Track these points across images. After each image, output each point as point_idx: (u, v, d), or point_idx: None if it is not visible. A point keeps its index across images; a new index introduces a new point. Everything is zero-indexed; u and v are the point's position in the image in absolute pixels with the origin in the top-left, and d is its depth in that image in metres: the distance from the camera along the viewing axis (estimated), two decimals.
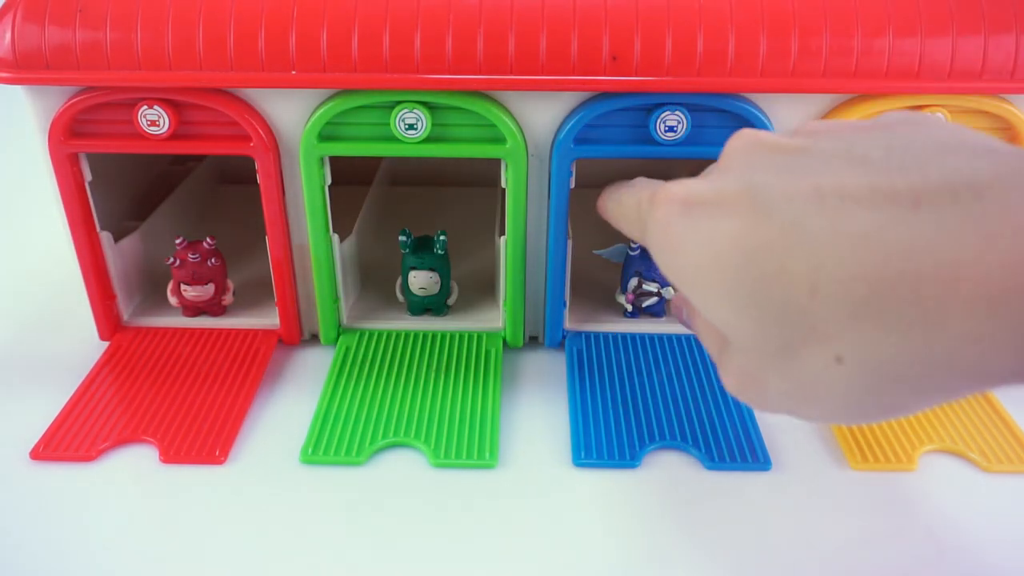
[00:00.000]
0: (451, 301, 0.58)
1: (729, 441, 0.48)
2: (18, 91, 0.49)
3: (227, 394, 0.51)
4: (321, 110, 0.48)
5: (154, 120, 0.49)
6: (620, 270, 0.57)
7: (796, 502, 0.45)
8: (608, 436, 0.48)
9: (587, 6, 0.46)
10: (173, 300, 0.57)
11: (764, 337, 0.30)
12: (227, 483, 0.46)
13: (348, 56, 0.46)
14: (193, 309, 0.58)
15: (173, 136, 0.49)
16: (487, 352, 0.55)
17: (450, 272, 0.57)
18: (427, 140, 0.49)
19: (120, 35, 0.46)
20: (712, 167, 0.35)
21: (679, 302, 0.43)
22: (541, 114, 0.49)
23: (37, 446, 0.47)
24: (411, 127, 0.48)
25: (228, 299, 0.58)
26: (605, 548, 0.42)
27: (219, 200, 0.76)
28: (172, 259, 0.56)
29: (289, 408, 0.51)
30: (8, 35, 0.46)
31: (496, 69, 0.46)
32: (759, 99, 0.48)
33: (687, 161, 0.52)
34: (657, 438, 0.48)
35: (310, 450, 0.47)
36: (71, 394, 0.51)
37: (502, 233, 0.53)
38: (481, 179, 0.79)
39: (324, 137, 0.49)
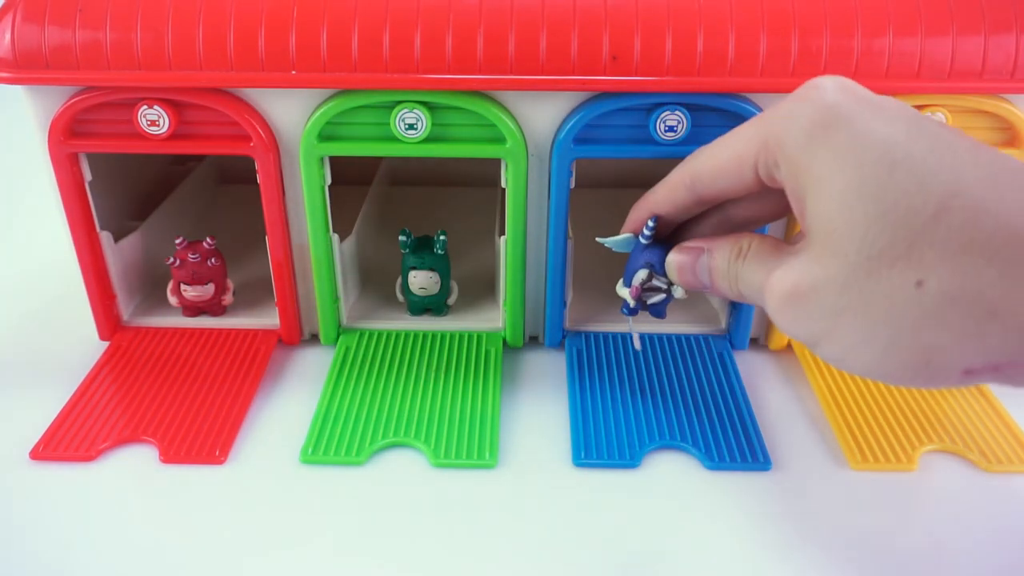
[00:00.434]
0: (451, 301, 0.58)
1: (729, 441, 0.48)
2: (18, 91, 0.49)
3: (227, 394, 0.51)
4: (321, 110, 0.48)
5: (154, 120, 0.49)
6: (622, 264, 0.56)
7: (796, 502, 0.45)
8: (608, 436, 0.48)
9: (587, 6, 0.46)
10: (173, 300, 0.57)
11: (862, 240, 0.30)
12: (227, 483, 0.46)
13: (348, 56, 0.46)
14: (193, 309, 0.58)
15: (173, 136, 0.49)
16: (487, 352, 0.55)
17: (450, 272, 0.57)
18: (427, 140, 0.49)
19: (120, 35, 0.46)
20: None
21: (691, 261, 0.42)
22: (541, 114, 0.49)
23: (37, 446, 0.47)
24: (411, 127, 0.48)
25: (228, 299, 0.58)
26: (605, 548, 0.42)
27: (219, 200, 0.76)
28: (172, 259, 0.56)
29: (289, 408, 0.51)
30: (8, 35, 0.46)
31: (496, 69, 0.46)
32: (759, 99, 0.48)
33: None
34: (657, 438, 0.48)
35: (310, 450, 0.47)
36: (71, 394, 0.51)
37: (502, 233, 0.53)
38: (481, 179, 0.79)
39: (324, 137, 0.49)
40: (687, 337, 0.57)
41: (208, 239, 0.56)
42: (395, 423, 0.49)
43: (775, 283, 0.34)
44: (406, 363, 0.54)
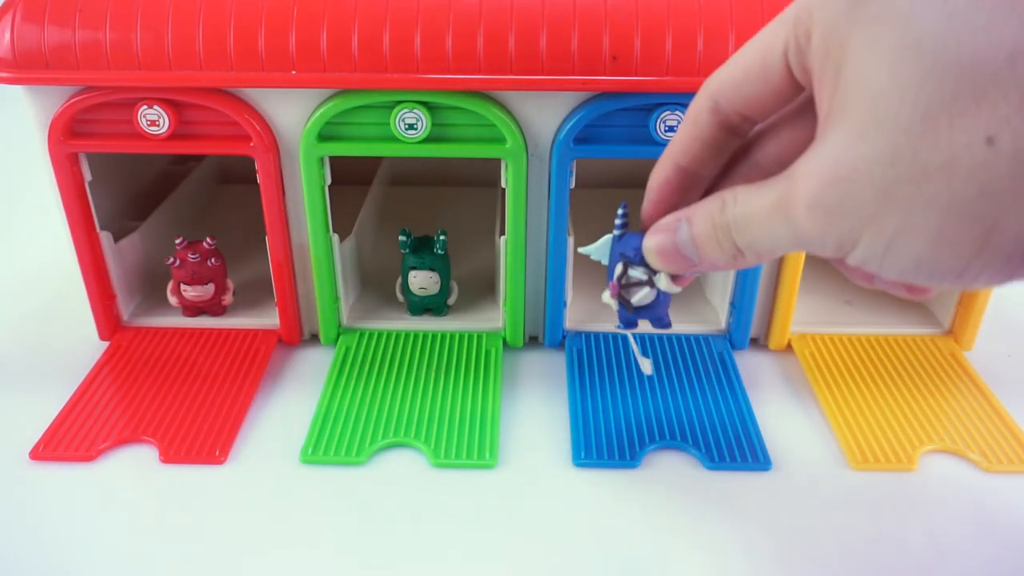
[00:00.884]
0: (451, 301, 0.58)
1: (729, 441, 0.48)
2: (18, 91, 0.49)
3: (227, 394, 0.51)
4: (321, 110, 0.48)
5: (154, 120, 0.48)
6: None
7: (796, 502, 0.45)
8: (608, 436, 0.48)
9: (587, 6, 0.46)
10: (173, 300, 0.57)
11: (917, 95, 0.25)
12: (227, 483, 0.46)
13: (348, 56, 0.46)
14: (193, 309, 0.58)
15: (173, 136, 0.49)
16: (487, 352, 0.55)
17: (450, 272, 0.57)
18: (427, 140, 0.49)
19: (120, 35, 0.46)
20: None
21: (669, 239, 0.36)
22: (541, 114, 0.49)
23: (37, 446, 0.47)
24: (411, 127, 0.48)
25: (228, 299, 0.58)
26: (605, 548, 0.42)
27: (219, 200, 0.76)
28: (172, 259, 0.56)
29: (289, 408, 0.51)
30: (8, 35, 0.46)
31: (496, 69, 0.46)
32: None
33: None
34: (657, 438, 0.48)
35: (310, 450, 0.47)
36: (71, 394, 0.51)
37: (502, 233, 0.53)
38: (481, 179, 0.79)
39: (324, 137, 0.49)
40: (687, 337, 0.57)
41: (208, 239, 0.56)
42: (395, 423, 0.49)
43: (800, 185, 0.28)
44: (406, 363, 0.54)
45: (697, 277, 0.63)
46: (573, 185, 0.51)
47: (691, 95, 0.47)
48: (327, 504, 0.44)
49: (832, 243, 0.29)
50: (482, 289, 0.62)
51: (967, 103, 0.25)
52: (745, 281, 0.54)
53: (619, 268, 0.41)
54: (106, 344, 0.56)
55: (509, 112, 0.48)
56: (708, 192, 0.37)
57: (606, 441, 0.48)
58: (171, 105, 0.48)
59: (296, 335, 0.57)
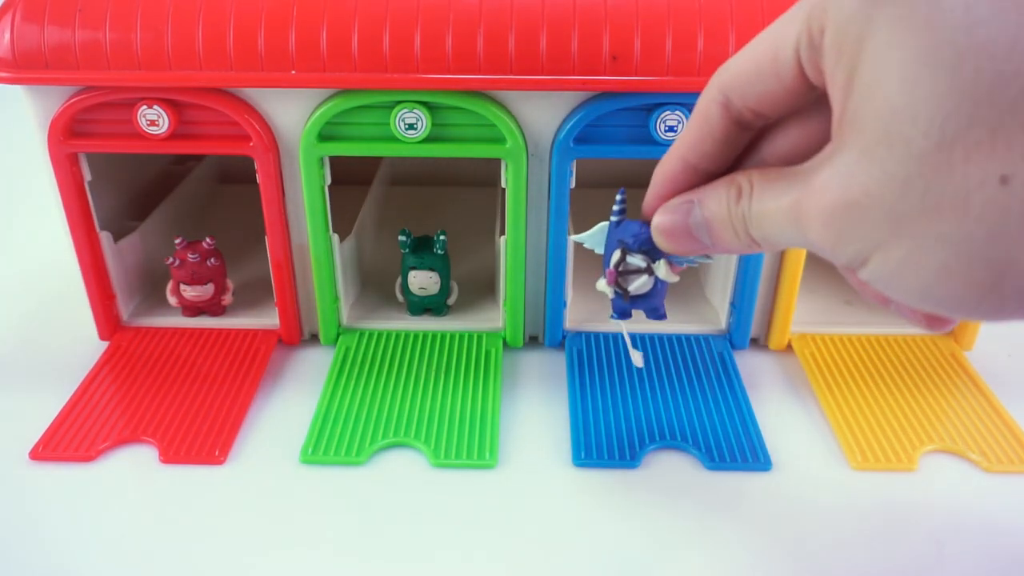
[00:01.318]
0: (451, 301, 0.58)
1: (729, 441, 0.48)
2: (18, 91, 0.49)
3: (227, 394, 0.51)
4: (321, 110, 0.48)
5: (154, 120, 0.48)
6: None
7: (796, 502, 0.45)
8: (608, 436, 0.48)
9: (587, 6, 0.46)
10: (173, 300, 0.57)
11: (930, 122, 0.24)
12: (227, 483, 0.46)
13: (348, 56, 0.46)
14: (193, 309, 0.58)
15: (173, 136, 0.49)
16: (487, 352, 0.55)
17: (450, 272, 0.57)
18: (427, 140, 0.49)
19: (119, 35, 0.46)
20: None
21: (682, 219, 0.35)
22: (541, 114, 0.49)
23: (37, 446, 0.47)
24: (411, 127, 0.48)
25: (228, 299, 0.58)
26: (605, 548, 0.42)
27: (219, 200, 0.76)
28: (172, 259, 0.56)
29: (289, 408, 0.51)
30: (7, 35, 0.46)
31: (496, 69, 0.46)
32: None
33: None
34: (657, 438, 0.48)
35: (310, 450, 0.47)
36: (71, 394, 0.51)
37: (502, 233, 0.53)
38: (481, 179, 0.79)
39: (324, 137, 0.49)
40: (687, 337, 0.57)
41: (208, 239, 0.56)
42: (395, 423, 0.49)
43: (814, 199, 0.28)
44: (406, 363, 0.54)
45: (697, 277, 0.63)
46: (573, 185, 0.51)
47: (691, 95, 0.47)
48: (327, 504, 0.44)
49: (843, 259, 0.28)
50: (482, 289, 0.62)
51: (982, 133, 0.23)
52: (745, 281, 0.54)
53: (616, 255, 0.40)
54: (106, 344, 0.56)
55: (509, 112, 0.48)
56: None
57: (606, 441, 0.48)
58: (171, 105, 0.48)
59: (296, 335, 0.57)
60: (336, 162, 0.51)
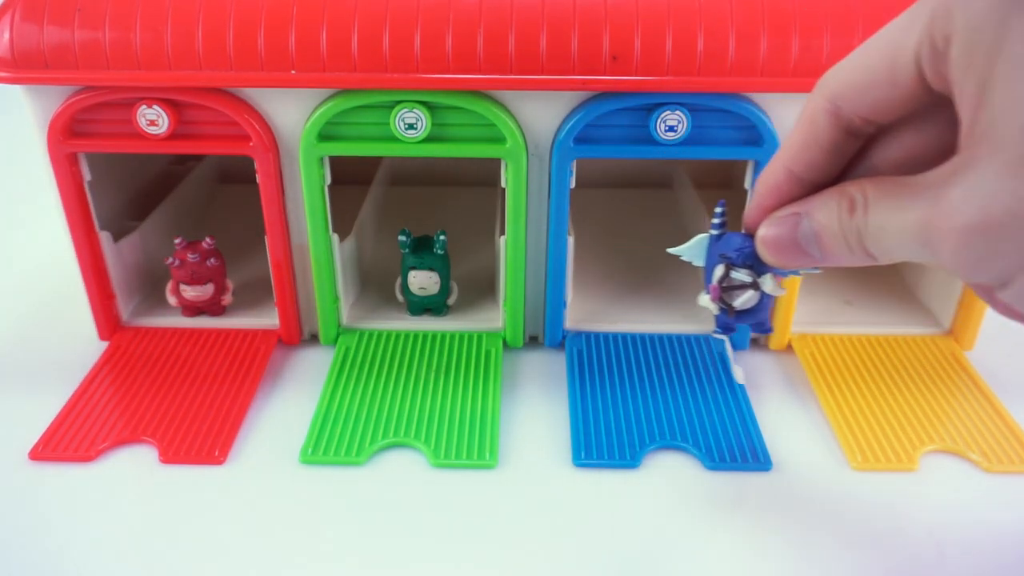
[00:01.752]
0: (451, 301, 0.58)
1: (729, 441, 0.48)
2: (17, 91, 0.49)
3: (227, 394, 0.51)
4: (321, 110, 0.48)
5: (153, 120, 0.48)
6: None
7: (796, 502, 0.45)
8: (608, 436, 0.48)
9: (587, 6, 0.46)
10: (172, 300, 0.57)
11: None
12: (227, 483, 0.46)
13: (348, 56, 0.46)
14: (192, 309, 0.58)
15: (172, 136, 0.49)
16: (487, 352, 0.55)
17: (450, 272, 0.57)
18: (427, 140, 0.49)
19: (119, 34, 0.46)
20: None
21: (788, 232, 0.33)
22: (541, 114, 0.49)
23: (36, 446, 0.47)
24: (411, 127, 0.48)
25: (227, 299, 0.58)
26: (605, 548, 0.42)
27: (219, 200, 0.76)
28: (171, 259, 0.56)
29: (289, 408, 0.51)
30: (7, 35, 0.46)
31: (496, 69, 0.46)
32: (759, 99, 0.48)
33: (687, 161, 0.52)
34: (657, 438, 0.48)
35: (310, 450, 0.47)
36: (70, 394, 0.51)
37: (502, 233, 0.53)
38: (481, 179, 0.79)
39: (324, 137, 0.49)
40: (687, 337, 0.57)
41: (208, 239, 0.56)
42: (395, 423, 0.49)
43: (947, 218, 0.26)
44: (406, 363, 0.54)
45: (697, 278, 0.63)
46: (573, 185, 0.51)
47: (691, 95, 0.47)
48: (327, 504, 0.44)
49: (980, 279, 0.27)
50: (482, 289, 0.62)
51: None
52: None
53: (720, 270, 0.38)
54: (106, 344, 0.56)
55: (509, 112, 0.48)
56: None
57: (606, 441, 0.48)
58: (170, 105, 0.48)
59: (296, 335, 0.57)
60: (336, 162, 0.51)
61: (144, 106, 0.48)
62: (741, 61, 0.45)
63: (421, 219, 0.73)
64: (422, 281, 0.56)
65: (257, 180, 0.51)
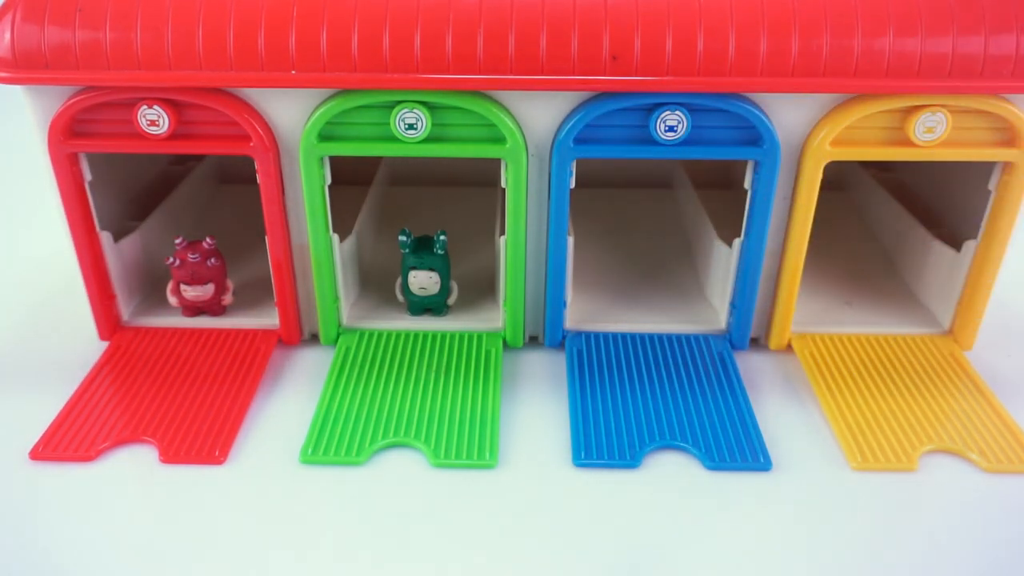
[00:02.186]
0: (451, 301, 0.58)
1: (729, 441, 0.48)
2: (18, 91, 0.49)
3: (227, 394, 0.51)
4: (321, 110, 0.48)
5: (154, 120, 0.48)
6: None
7: (796, 502, 0.45)
8: (608, 436, 0.48)
9: (587, 6, 0.46)
10: (173, 300, 0.57)
11: None
12: (227, 483, 0.46)
13: (348, 56, 0.46)
14: (193, 309, 0.58)
15: (173, 136, 0.49)
16: (487, 352, 0.55)
17: (450, 272, 0.57)
18: (427, 140, 0.49)
19: (119, 35, 0.46)
20: None
21: None
22: (541, 114, 0.49)
23: (37, 446, 0.47)
24: (411, 127, 0.48)
25: (228, 299, 0.58)
26: (605, 548, 0.42)
27: (219, 200, 0.76)
28: (172, 259, 0.56)
29: (289, 408, 0.51)
30: (7, 35, 0.46)
31: (496, 69, 0.46)
32: (759, 99, 0.48)
33: (687, 161, 0.52)
34: (657, 438, 0.48)
35: (310, 450, 0.47)
36: (71, 394, 0.51)
37: (502, 233, 0.53)
38: (481, 179, 0.79)
39: (324, 137, 0.49)
40: (687, 337, 0.57)
41: (208, 239, 0.56)
42: (395, 423, 0.49)
43: None
44: (406, 363, 0.54)
45: (697, 278, 0.63)
46: (573, 185, 0.51)
47: (691, 95, 0.47)
48: (327, 504, 0.44)
49: None
50: (482, 289, 0.62)
51: None
52: (745, 281, 0.54)
53: None
54: (106, 344, 0.56)
55: (509, 112, 0.48)
56: None
57: (606, 441, 0.48)
58: (171, 105, 0.48)
59: (296, 335, 0.57)
60: (336, 162, 0.51)
61: (144, 106, 0.48)
62: (741, 61, 0.45)
63: (421, 219, 0.73)
64: (422, 281, 0.56)
65: (257, 180, 0.51)
